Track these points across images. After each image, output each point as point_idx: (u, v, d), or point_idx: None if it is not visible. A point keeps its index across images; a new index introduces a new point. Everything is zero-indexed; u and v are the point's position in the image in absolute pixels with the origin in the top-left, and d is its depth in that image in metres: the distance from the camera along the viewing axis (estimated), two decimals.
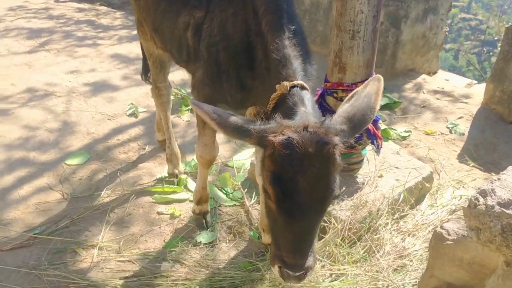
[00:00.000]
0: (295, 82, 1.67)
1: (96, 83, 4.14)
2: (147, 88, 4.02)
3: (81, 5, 6.33)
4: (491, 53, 13.90)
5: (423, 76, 4.48)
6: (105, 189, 2.85)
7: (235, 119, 1.49)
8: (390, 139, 3.50)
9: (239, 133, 1.49)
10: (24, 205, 2.72)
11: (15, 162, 3.09)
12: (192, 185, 2.91)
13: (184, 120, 3.68)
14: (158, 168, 3.11)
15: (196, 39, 2.09)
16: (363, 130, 2.61)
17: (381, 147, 2.75)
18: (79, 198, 2.79)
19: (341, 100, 2.63)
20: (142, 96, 3.95)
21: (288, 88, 1.65)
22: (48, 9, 6.09)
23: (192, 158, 3.16)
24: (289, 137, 1.41)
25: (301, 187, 1.41)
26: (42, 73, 4.29)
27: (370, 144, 2.72)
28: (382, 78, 1.64)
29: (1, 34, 5.16)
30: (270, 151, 1.44)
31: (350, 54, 2.52)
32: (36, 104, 3.77)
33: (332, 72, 2.63)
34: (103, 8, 6.28)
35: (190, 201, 2.78)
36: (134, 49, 4.83)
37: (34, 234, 2.48)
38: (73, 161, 3.12)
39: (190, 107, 3.76)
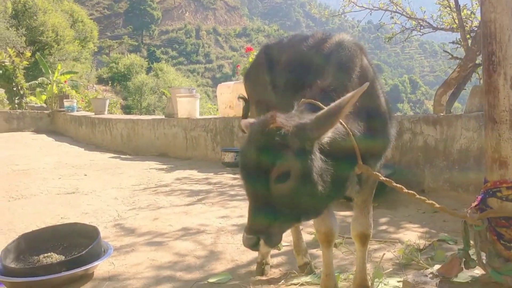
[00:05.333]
0: (309, 100, 1.98)
1: (244, 224, 4.28)
2: None
3: (236, 176, 7.01)
4: None
5: None
6: None
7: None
8: None
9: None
10: None
11: (163, 279, 3.17)
12: None
13: None
14: None
15: None
16: None
17: None
18: None
19: (507, 199, 2.34)
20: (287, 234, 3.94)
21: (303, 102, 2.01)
22: (208, 179, 6.86)
23: None
24: (256, 120, 1.84)
25: (245, 154, 1.73)
26: (197, 217, 4.64)
27: None
28: (368, 83, 1.85)
29: (166, 193, 5.86)
30: None
31: (510, 146, 2.32)
32: (188, 238, 4.00)
33: (492, 170, 2.40)
34: None
35: None
36: None
37: None
38: (215, 279, 3.09)
39: None
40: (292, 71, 2.66)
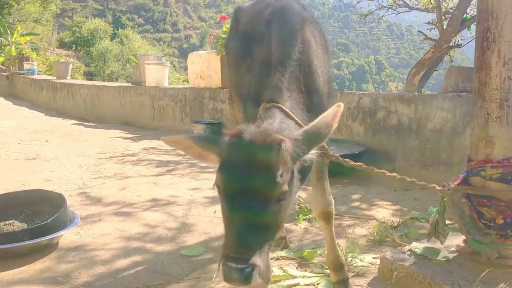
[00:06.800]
0: (279, 106, 1.85)
1: (216, 197, 4.16)
2: None
3: None
4: None
5: None
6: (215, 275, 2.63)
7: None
8: None
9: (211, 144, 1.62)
10: (135, 285, 2.57)
11: (132, 250, 3.04)
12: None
13: (301, 227, 3.47)
14: None
15: None
16: None
17: None
18: (190, 279, 2.60)
19: (491, 179, 2.33)
20: None
21: (266, 107, 1.86)
22: (177, 150, 6.65)
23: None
24: (240, 129, 1.54)
25: (241, 172, 1.45)
26: (167, 189, 4.49)
27: None
28: (342, 104, 1.68)
29: (133, 163, 5.67)
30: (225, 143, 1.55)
31: (498, 125, 2.29)
32: (158, 209, 3.86)
33: (477, 149, 2.38)
34: None
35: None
36: None
37: None
38: (189, 253, 2.99)
39: (307, 216, 3.59)
40: (244, 36, 2.54)
